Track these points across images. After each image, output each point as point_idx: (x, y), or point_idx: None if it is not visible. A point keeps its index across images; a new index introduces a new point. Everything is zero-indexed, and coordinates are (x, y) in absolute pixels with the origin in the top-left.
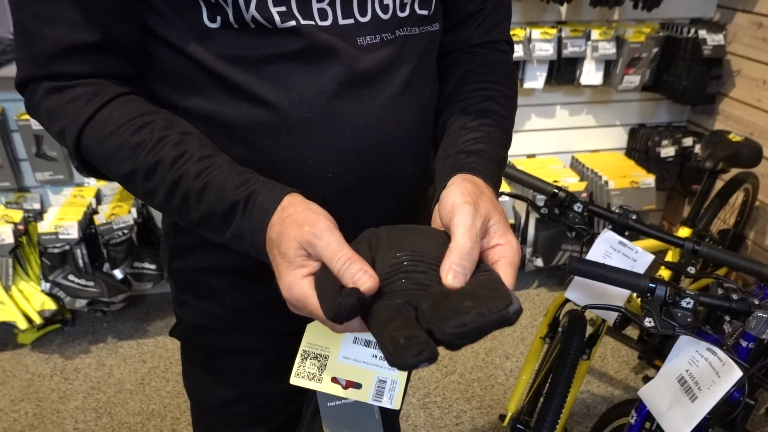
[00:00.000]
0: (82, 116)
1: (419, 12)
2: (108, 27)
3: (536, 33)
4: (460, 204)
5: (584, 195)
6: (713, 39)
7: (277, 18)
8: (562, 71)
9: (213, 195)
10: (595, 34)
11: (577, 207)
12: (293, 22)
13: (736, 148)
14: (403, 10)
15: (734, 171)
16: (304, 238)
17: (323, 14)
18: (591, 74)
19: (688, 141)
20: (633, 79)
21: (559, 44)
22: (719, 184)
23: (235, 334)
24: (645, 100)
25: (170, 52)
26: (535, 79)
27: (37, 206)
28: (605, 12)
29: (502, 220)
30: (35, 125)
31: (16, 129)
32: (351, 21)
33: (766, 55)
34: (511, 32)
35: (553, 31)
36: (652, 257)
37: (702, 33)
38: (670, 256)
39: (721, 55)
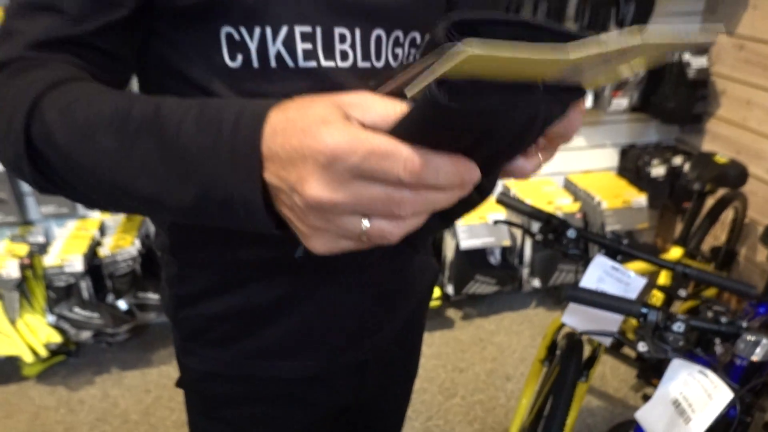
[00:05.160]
0: (44, 85)
1: None
2: (102, 35)
3: None
4: None
5: (578, 216)
6: (697, 62)
7: (300, 55)
8: None
9: (190, 121)
10: None
11: (570, 233)
12: (314, 63)
13: (722, 169)
14: (407, 59)
15: (723, 190)
16: (344, 99)
17: (344, 55)
18: None
19: (677, 160)
20: (621, 102)
21: None
22: (710, 202)
23: (243, 382)
24: (634, 120)
25: (187, 89)
26: None
27: (41, 239)
28: None
29: None
30: None
31: None
32: (368, 64)
33: (749, 75)
34: None
35: None
36: (644, 281)
37: (686, 56)
38: (663, 277)
39: (705, 77)
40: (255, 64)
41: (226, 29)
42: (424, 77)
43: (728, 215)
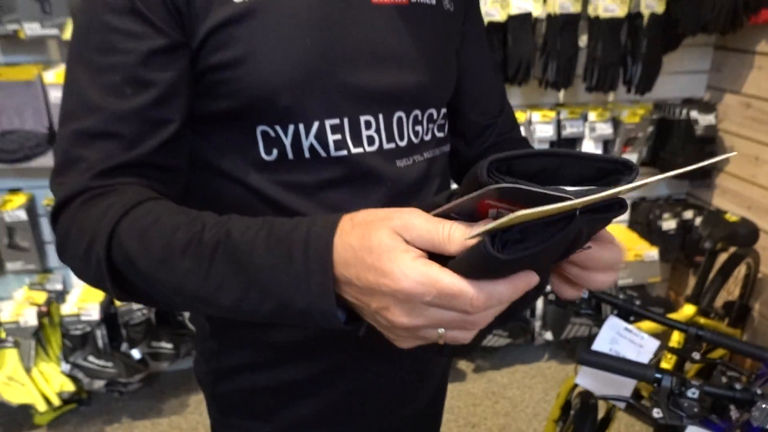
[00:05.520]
0: (117, 213)
1: (437, 135)
2: (156, 153)
3: (536, 116)
4: None
5: None
6: (705, 119)
7: (332, 145)
8: None
9: (260, 244)
10: (592, 115)
11: (583, 293)
12: (345, 152)
13: (732, 228)
14: (427, 134)
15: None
16: (395, 222)
17: (371, 140)
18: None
19: (688, 214)
20: (630, 157)
21: (559, 125)
22: (723, 256)
23: None
24: (644, 174)
25: (224, 181)
26: None
27: (59, 287)
28: (600, 94)
29: None
30: None
31: (44, 214)
32: (393, 145)
33: (756, 133)
34: None
35: (552, 114)
36: (657, 343)
37: (694, 114)
38: (675, 336)
39: (713, 134)
40: (290, 156)
41: (262, 128)
42: (479, 234)
43: (741, 270)
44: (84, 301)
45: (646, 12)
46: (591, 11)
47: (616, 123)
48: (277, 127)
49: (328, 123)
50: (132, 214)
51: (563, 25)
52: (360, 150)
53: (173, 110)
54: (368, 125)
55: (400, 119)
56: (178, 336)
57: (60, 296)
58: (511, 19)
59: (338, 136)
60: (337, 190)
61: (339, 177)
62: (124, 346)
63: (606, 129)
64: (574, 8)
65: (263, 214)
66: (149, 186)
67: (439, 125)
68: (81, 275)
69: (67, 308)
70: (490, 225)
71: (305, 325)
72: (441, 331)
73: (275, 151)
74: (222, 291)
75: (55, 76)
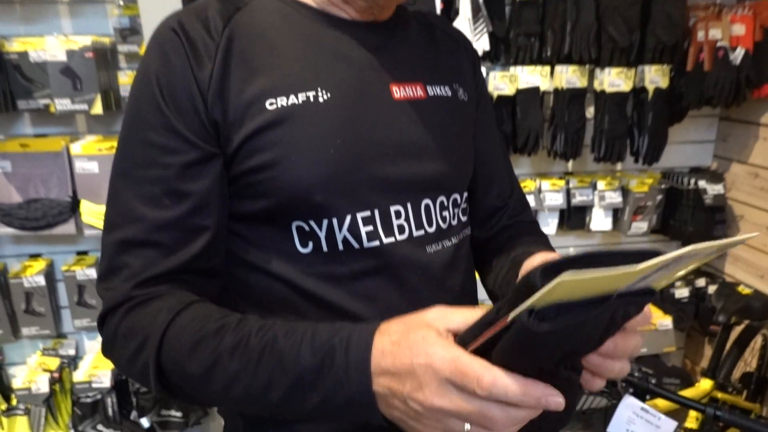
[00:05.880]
0: (165, 320)
1: (462, 219)
2: (195, 259)
3: (546, 184)
4: None
5: None
6: (713, 188)
7: (364, 237)
8: (573, 218)
9: (305, 348)
10: (601, 184)
11: None
12: (377, 242)
13: (745, 301)
14: (453, 218)
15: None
16: (427, 317)
17: (401, 229)
18: (600, 220)
19: (701, 282)
20: (641, 225)
21: (568, 194)
22: (739, 328)
23: None
24: (655, 241)
25: (257, 274)
26: (546, 225)
27: (72, 352)
28: (609, 163)
29: None
30: (80, 276)
31: (61, 279)
32: (422, 232)
33: (765, 203)
34: (522, 183)
35: (561, 183)
36: (675, 424)
37: (702, 183)
38: (693, 413)
39: (722, 204)
40: (324, 249)
41: (297, 223)
42: (521, 306)
43: (757, 341)
44: (96, 368)
45: (650, 87)
46: (597, 85)
47: (625, 192)
48: (312, 222)
49: (359, 216)
50: (178, 321)
51: (570, 98)
52: (392, 239)
53: (209, 217)
54: (398, 215)
55: (427, 206)
56: (187, 404)
57: (72, 361)
58: (520, 92)
59: (370, 228)
60: (370, 279)
61: (372, 267)
62: (133, 414)
63: (615, 198)
64: (581, 83)
65: (296, 305)
66: (190, 290)
67: (463, 209)
68: (124, 372)
69: (79, 375)
70: (534, 296)
71: (347, 418)
72: (466, 427)
73: (311, 244)
74: (270, 390)
75: (81, 148)
